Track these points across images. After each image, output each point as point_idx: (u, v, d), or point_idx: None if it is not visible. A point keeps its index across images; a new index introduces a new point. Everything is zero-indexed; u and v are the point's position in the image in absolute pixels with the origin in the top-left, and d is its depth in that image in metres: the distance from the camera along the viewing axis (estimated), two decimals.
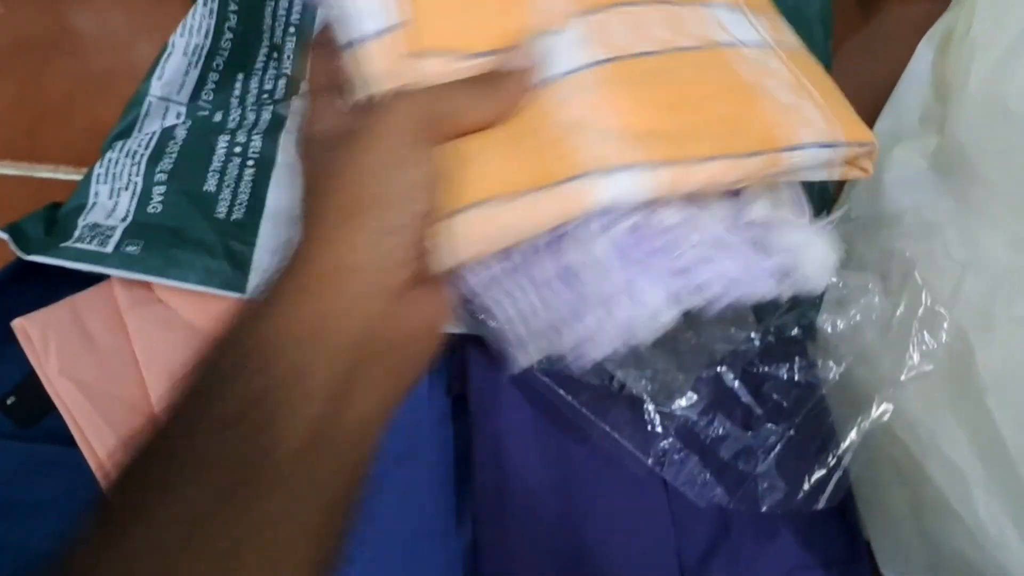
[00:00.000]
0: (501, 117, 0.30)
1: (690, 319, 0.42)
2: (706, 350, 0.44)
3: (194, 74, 0.53)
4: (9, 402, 0.46)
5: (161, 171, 0.48)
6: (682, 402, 0.43)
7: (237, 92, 0.53)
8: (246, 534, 0.24)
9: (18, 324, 0.45)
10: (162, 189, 0.48)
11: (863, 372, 0.41)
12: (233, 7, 0.55)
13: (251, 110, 0.52)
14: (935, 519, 0.40)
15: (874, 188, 0.45)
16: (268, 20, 0.55)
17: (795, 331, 0.43)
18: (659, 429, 0.42)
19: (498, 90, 0.30)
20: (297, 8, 0.55)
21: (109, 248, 0.45)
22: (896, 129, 0.46)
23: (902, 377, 0.39)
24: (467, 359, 0.45)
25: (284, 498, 0.24)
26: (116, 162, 0.49)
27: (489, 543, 0.43)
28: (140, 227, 0.46)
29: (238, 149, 0.49)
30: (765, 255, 0.33)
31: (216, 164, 0.48)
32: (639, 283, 0.31)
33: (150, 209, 0.47)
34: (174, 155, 0.49)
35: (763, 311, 0.44)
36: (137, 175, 0.48)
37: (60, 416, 0.44)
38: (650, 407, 0.42)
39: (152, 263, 0.45)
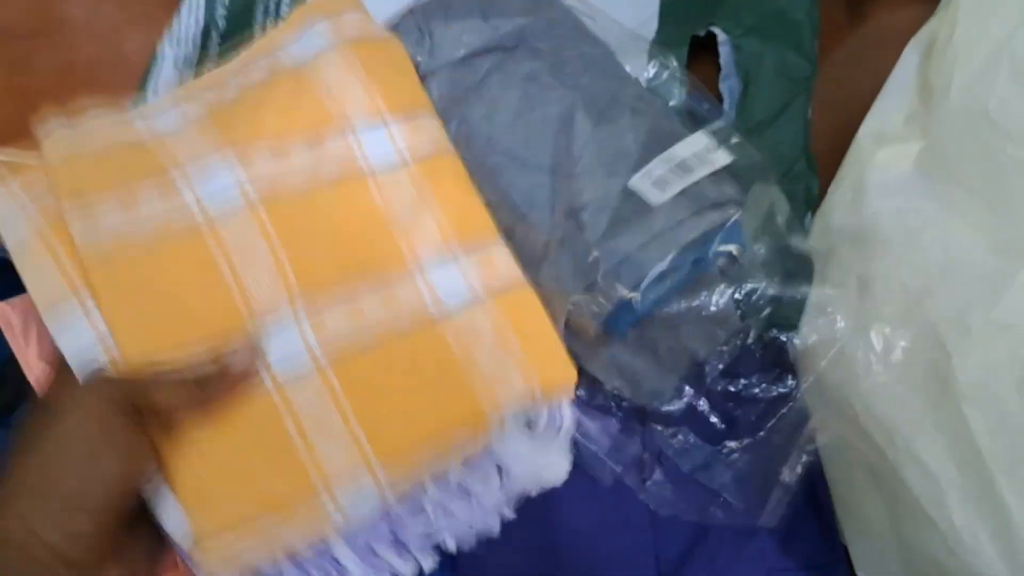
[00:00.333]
0: (207, 408, 0.31)
1: (670, 322, 0.43)
2: (687, 351, 0.44)
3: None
4: None
5: None
6: (674, 404, 0.43)
7: None
8: None
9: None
10: None
11: (838, 380, 0.41)
12: (221, 12, 0.54)
13: None
14: (911, 525, 0.40)
15: (857, 192, 0.45)
16: (258, 26, 0.54)
17: (772, 341, 0.44)
18: (629, 440, 0.42)
19: (207, 389, 0.31)
20: (284, 12, 0.54)
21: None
22: (881, 132, 0.46)
23: (874, 387, 0.39)
24: None
25: None
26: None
27: None
28: None
29: None
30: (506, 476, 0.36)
31: None
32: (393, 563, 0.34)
33: None
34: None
35: (748, 311, 0.44)
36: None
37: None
38: (618, 416, 0.42)
39: None
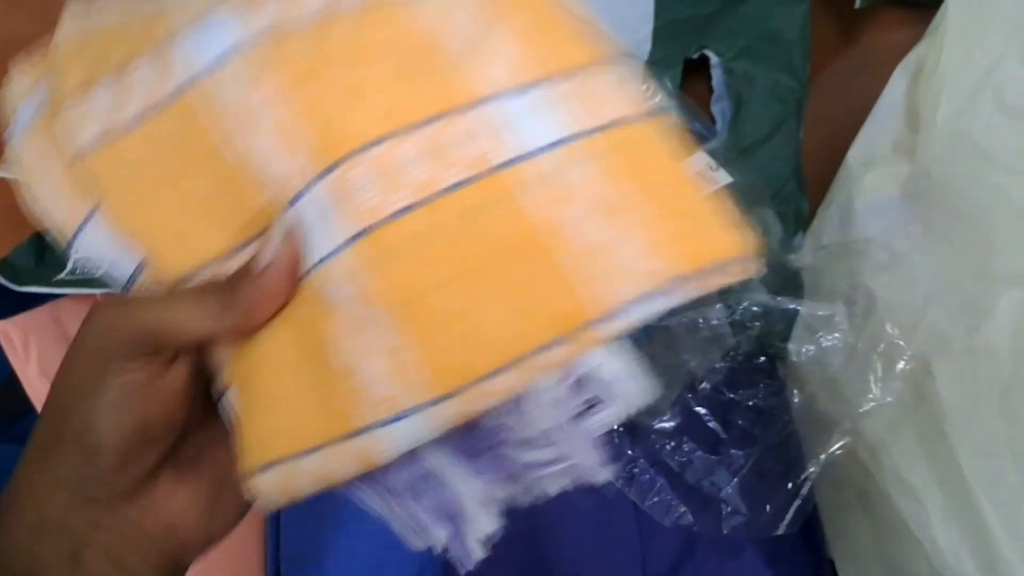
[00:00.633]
0: (242, 327, 0.25)
1: (667, 338, 0.43)
2: (685, 367, 0.44)
3: None
4: None
5: None
6: (665, 422, 0.43)
7: None
8: None
9: (0, 327, 0.46)
10: None
11: (827, 400, 0.42)
12: None
13: None
14: (895, 543, 0.40)
15: (845, 214, 0.46)
16: None
17: (762, 359, 0.44)
18: (628, 451, 0.42)
19: (233, 299, 0.25)
20: None
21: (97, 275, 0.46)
22: (869, 155, 0.46)
23: (861, 409, 0.39)
24: None
25: None
26: None
27: None
28: None
29: None
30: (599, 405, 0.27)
31: None
32: (468, 501, 0.27)
33: None
34: None
35: (740, 328, 0.45)
36: None
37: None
38: (619, 428, 0.43)
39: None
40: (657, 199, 0.25)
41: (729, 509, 0.40)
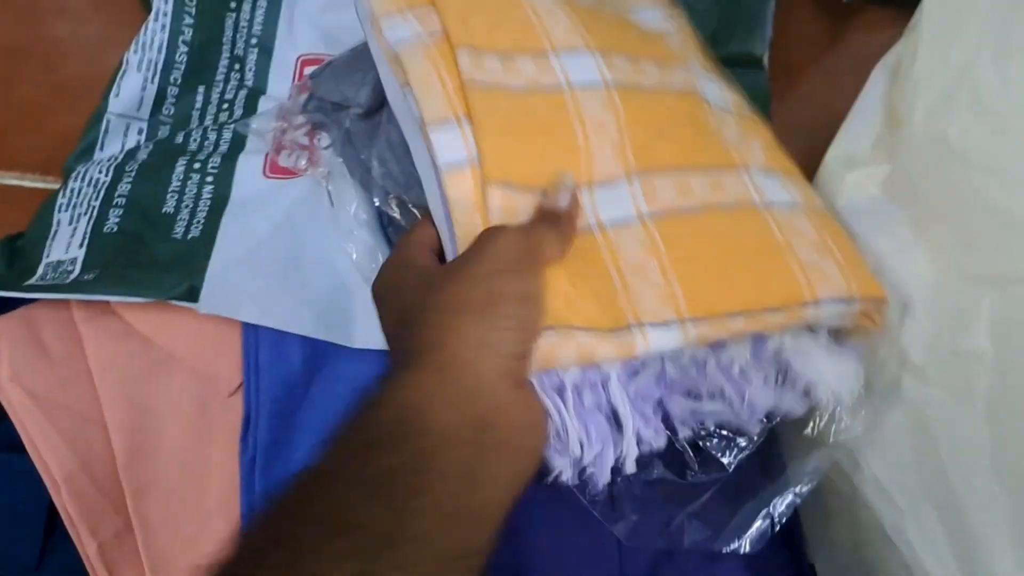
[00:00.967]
0: (565, 254, 0.35)
1: None
2: None
3: (152, 89, 0.54)
4: None
5: (120, 194, 0.49)
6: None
7: (198, 105, 0.53)
8: None
9: None
10: (119, 212, 0.48)
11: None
12: (188, 20, 0.55)
13: (212, 130, 0.52)
14: (874, 549, 0.40)
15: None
16: (229, 32, 0.55)
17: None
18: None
19: (566, 227, 0.35)
20: (259, 21, 0.55)
21: (68, 282, 0.46)
22: (849, 155, 0.46)
23: (831, 439, 0.39)
24: None
25: (424, 568, 0.25)
26: (78, 191, 0.50)
27: None
28: (96, 252, 0.47)
29: (197, 166, 0.49)
30: (789, 384, 0.38)
31: (175, 184, 0.49)
32: (644, 432, 0.35)
33: (106, 229, 0.48)
34: (133, 174, 0.49)
35: None
36: (96, 200, 0.49)
37: (11, 423, 0.45)
38: None
39: (108, 285, 0.45)
40: (843, 252, 0.39)
41: (693, 525, 0.39)
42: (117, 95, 0.53)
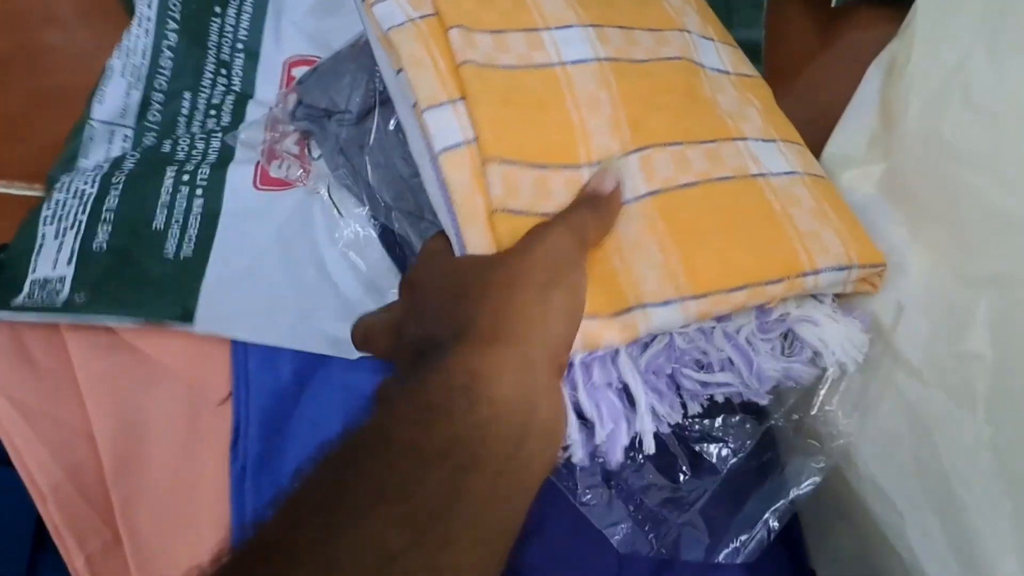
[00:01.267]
0: (605, 237, 0.36)
1: None
2: None
3: (136, 95, 0.53)
4: None
5: (108, 208, 0.48)
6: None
7: (185, 110, 0.53)
8: None
9: None
10: (108, 228, 0.47)
11: (803, 404, 0.41)
12: (172, 26, 0.54)
13: (200, 138, 0.51)
14: (875, 555, 0.39)
15: None
16: (214, 37, 0.54)
17: None
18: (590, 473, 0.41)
19: (609, 213, 0.36)
20: (244, 25, 0.55)
21: (59, 303, 0.45)
22: (845, 154, 0.45)
23: (826, 444, 0.39)
24: None
25: (466, 546, 0.25)
26: (63, 203, 0.49)
27: None
28: (86, 271, 0.46)
29: (186, 178, 0.49)
30: (796, 352, 0.38)
31: (164, 197, 0.48)
32: (659, 407, 0.35)
33: (95, 247, 0.47)
34: (120, 186, 0.48)
35: None
36: (83, 213, 0.48)
37: None
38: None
39: (101, 307, 0.45)
40: (841, 218, 0.40)
41: (689, 534, 0.39)
42: (101, 102, 0.52)
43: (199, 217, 0.48)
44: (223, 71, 0.54)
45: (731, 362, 0.37)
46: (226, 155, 0.51)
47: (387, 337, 0.36)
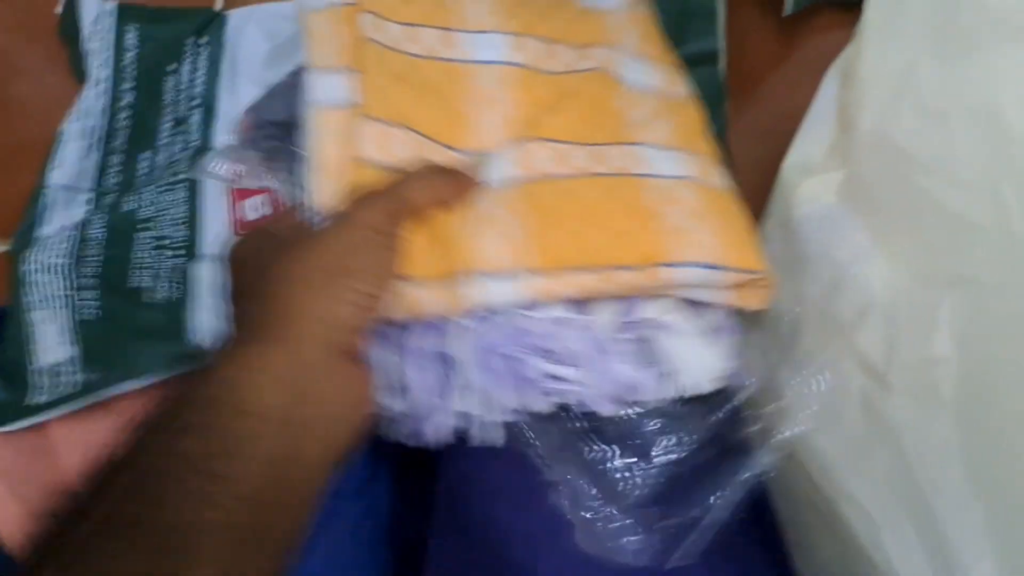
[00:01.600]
0: (448, 204, 0.35)
1: None
2: None
3: (95, 157, 0.53)
4: None
5: (87, 275, 0.48)
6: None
7: (144, 171, 0.53)
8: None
9: None
10: (95, 294, 0.47)
11: (771, 413, 0.40)
12: (128, 84, 0.55)
13: (163, 190, 0.52)
14: (856, 564, 0.39)
15: (785, 223, 0.44)
16: (170, 94, 0.54)
17: None
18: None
19: (447, 182, 0.35)
20: (200, 81, 0.55)
21: (80, 386, 0.45)
22: (805, 162, 0.45)
23: (804, 420, 0.38)
24: None
25: (231, 542, 0.25)
26: (40, 285, 0.49)
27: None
28: (89, 344, 0.46)
29: (166, 242, 0.49)
30: (646, 361, 0.36)
31: (144, 259, 0.48)
32: (494, 390, 0.34)
33: (87, 316, 0.47)
34: (100, 259, 0.48)
35: None
36: (66, 288, 0.48)
37: None
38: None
39: (120, 374, 0.45)
40: (725, 220, 0.39)
41: (628, 534, 0.37)
42: (60, 166, 0.52)
43: (182, 271, 0.48)
44: (181, 127, 0.54)
45: (577, 358, 0.35)
46: (194, 208, 0.50)
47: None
